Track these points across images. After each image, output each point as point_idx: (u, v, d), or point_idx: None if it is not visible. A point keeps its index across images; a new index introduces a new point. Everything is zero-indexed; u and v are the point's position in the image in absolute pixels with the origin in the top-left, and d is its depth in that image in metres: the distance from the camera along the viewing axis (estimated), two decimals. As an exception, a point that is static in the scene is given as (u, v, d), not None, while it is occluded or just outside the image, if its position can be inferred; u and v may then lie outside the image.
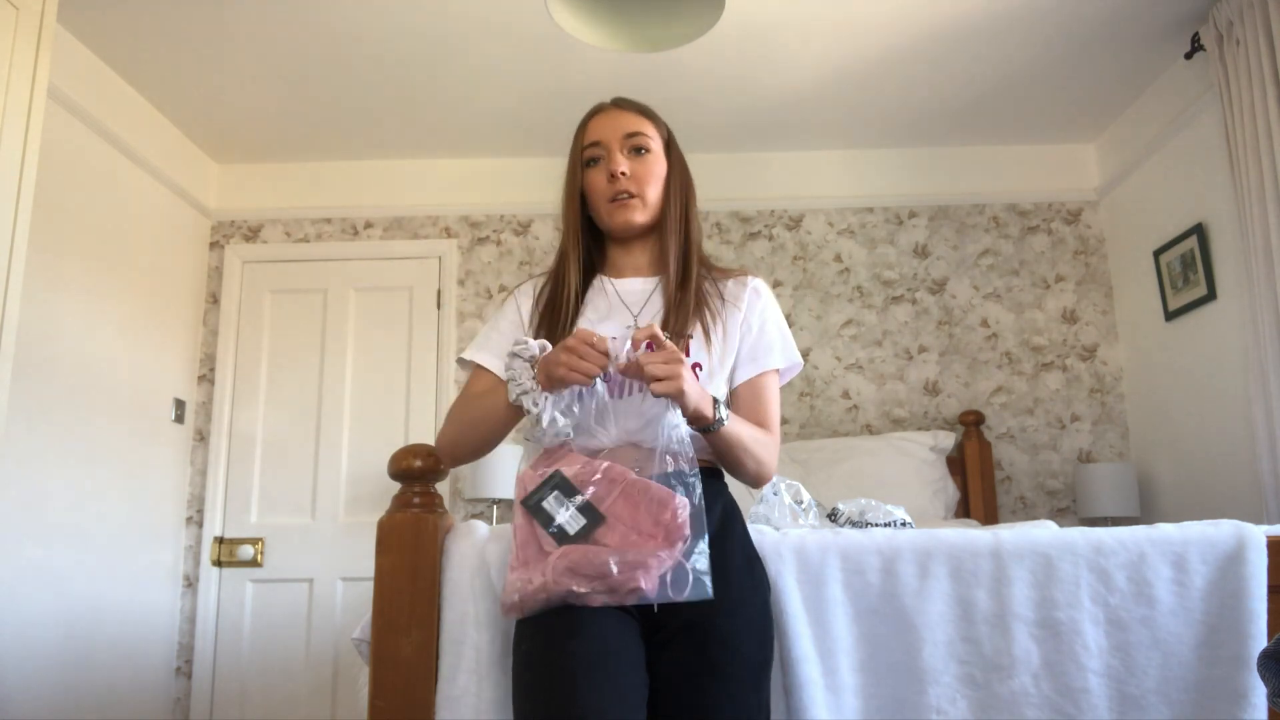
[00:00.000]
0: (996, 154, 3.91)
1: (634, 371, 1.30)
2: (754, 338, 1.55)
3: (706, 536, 1.27)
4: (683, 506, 1.26)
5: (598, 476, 1.29)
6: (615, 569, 1.21)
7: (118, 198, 3.25)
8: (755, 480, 1.48)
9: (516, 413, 1.40)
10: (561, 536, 1.27)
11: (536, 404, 1.33)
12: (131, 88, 3.32)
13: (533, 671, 1.28)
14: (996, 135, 3.82)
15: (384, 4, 2.86)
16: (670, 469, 1.30)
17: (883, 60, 3.23)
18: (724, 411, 1.38)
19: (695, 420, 1.35)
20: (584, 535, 1.26)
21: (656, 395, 1.30)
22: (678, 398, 1.30)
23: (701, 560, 1.25)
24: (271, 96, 3.41)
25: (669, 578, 1.23)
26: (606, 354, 1.31)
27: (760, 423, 1.49)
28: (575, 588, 1.23)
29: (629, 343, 1.32)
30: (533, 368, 1.35)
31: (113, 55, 3.12)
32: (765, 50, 3.15)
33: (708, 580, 1.24)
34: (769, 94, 3.45)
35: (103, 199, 3.17)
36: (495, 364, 1.55)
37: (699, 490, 1.29)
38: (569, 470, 1.30)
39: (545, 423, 1.33)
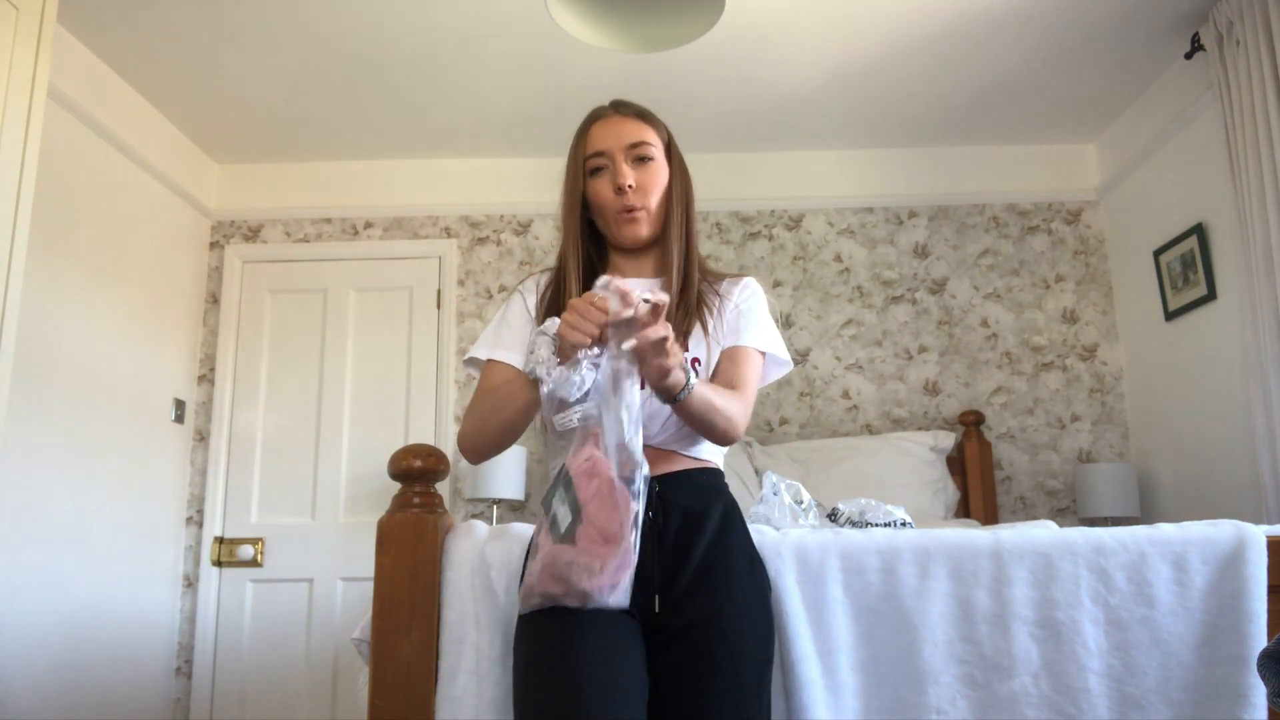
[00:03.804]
0: (996, 154, 3.91)
1: (629, 327, 1.24)
2: (735, 317, 1.55)
3: (639, 544, 1.24)
4: (628, 516, 1.23)
5: (587, 470, 1.27)
6: (572, 573, 1.22)
7: (118, 198, 3.25)
8: (724, 439, 1.44)
9: (535, 395, 1.36)
10: (555, 533, 1.26)
11: (550, 374, 1.30)
12: (131, 88, 3.32)
13: (533, 672, 1.28)
14: (996, 135, 3.82)
15: (384, 4, 2.86)
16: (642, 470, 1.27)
17: (883, 60, 3.23)
18: (693, 378, 1.32)
19: (664, 391, 1.31)
20: (569, 534, 1.25)
21: (645, 366, 1.25)
22: (663, 376, 1.26)
23: (630, 562, 1.23)
24: (271, 96, 3.41)
25: (609, 585, 1.22)
26: (605, 311, 1.26)
27: (732, 384, 1.47)
28: (551, 589, 1.24)
29: (621, 298, 1.26)
30: (554, 344, 1.32)
31: (113, 55, 3.12)
32: (765, 50, 3.15)
33: (628, 593, 1.22)
34: (769, 94, 3.45)
35: (103, 199, 3.17)
36: (510, 358, 1.54)
37: (643, 491, 1.26)
38: (574, 467, 1.28)
39: (545, 388, 1.30)
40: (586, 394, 1.31)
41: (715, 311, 1.54)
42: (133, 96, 3.34)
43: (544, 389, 1.31)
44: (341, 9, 2.88)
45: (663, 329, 1.23)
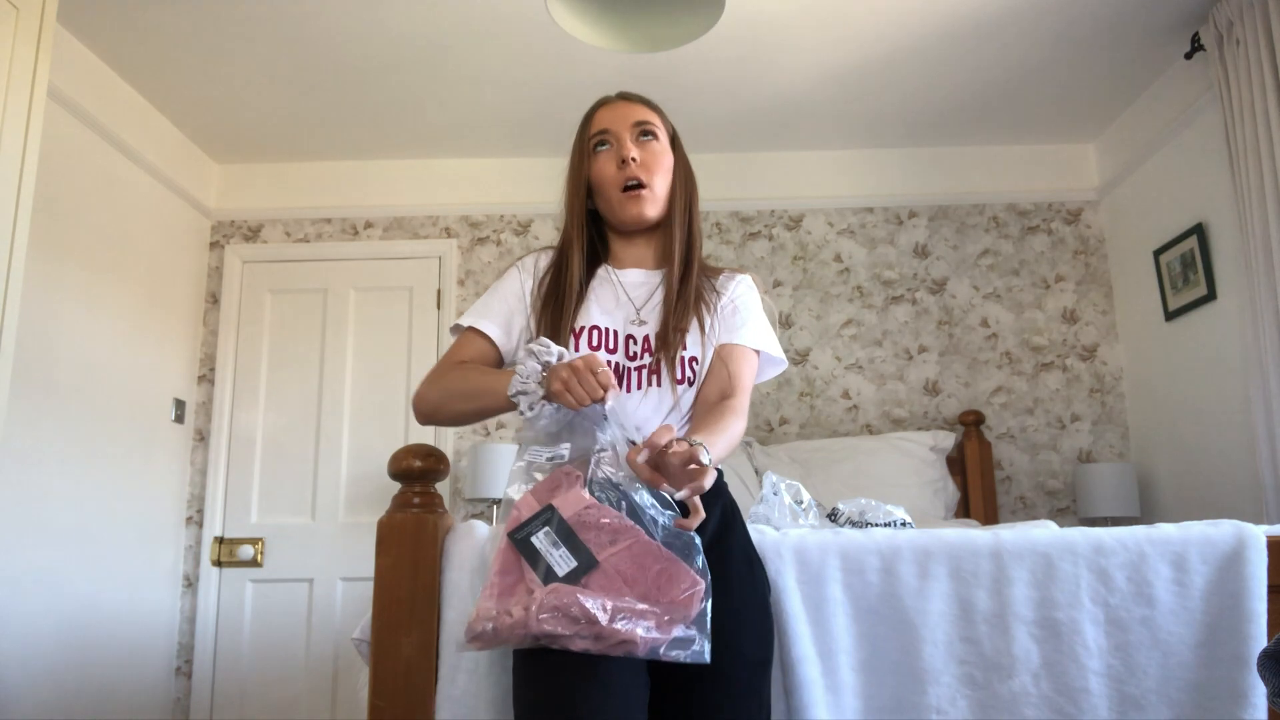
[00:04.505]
0: (996, 154, 3.91)
1: (653, 474, 1.20)
2: (730, 313, 1.54)
3: (710, 599, 1.22)
4: (698, 586, 1.21)
5: (604, 522, 1.22)
6: (605, 618, 1.16)
7: (118, 198, 3.25)
8: None
9: (507, 406, 1.36)
10: (549, 576, 1.21)
11: (531, 409, 1.30)
12: (131, 88, 3.32)
13: (533, 672, 1.27)
14: (996, 135, 3.82)
15: (384, 4, 2.86)
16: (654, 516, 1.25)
17: (883, 60, 3.23)
18: (707, 457, 1.21)
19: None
20: (573, 578, 1.20)
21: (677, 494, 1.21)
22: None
23: (705, 624, 1.20)
24: (271, 96, 3.41)
25: (666, 641, 1.19)
26: (606, 388, 1.26)
27: (725, 390, 1.46)
28: (558, 629, 1.17)
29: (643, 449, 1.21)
30: (544, 371, 1.31)
31: (113, 55, 3.12)
32: (765, 50, 3.15)
33: (708, 647, 1.19)
34: (769, 94, 3.45)
35: (103, 199, 3.16)
36: (492, 331, 1.53)
37: (699, 551, 1.25)
38: (567, 510, 1.24)
39: (531, 429, 1.30)
40: (560, 431, 1.30)
41: (713, 309, 1.53)
42: (133, 96, 3.34)
43: (520, 412, 1.31)
44: (342, 9, 2.88)
45: (707, 477, 1.18)
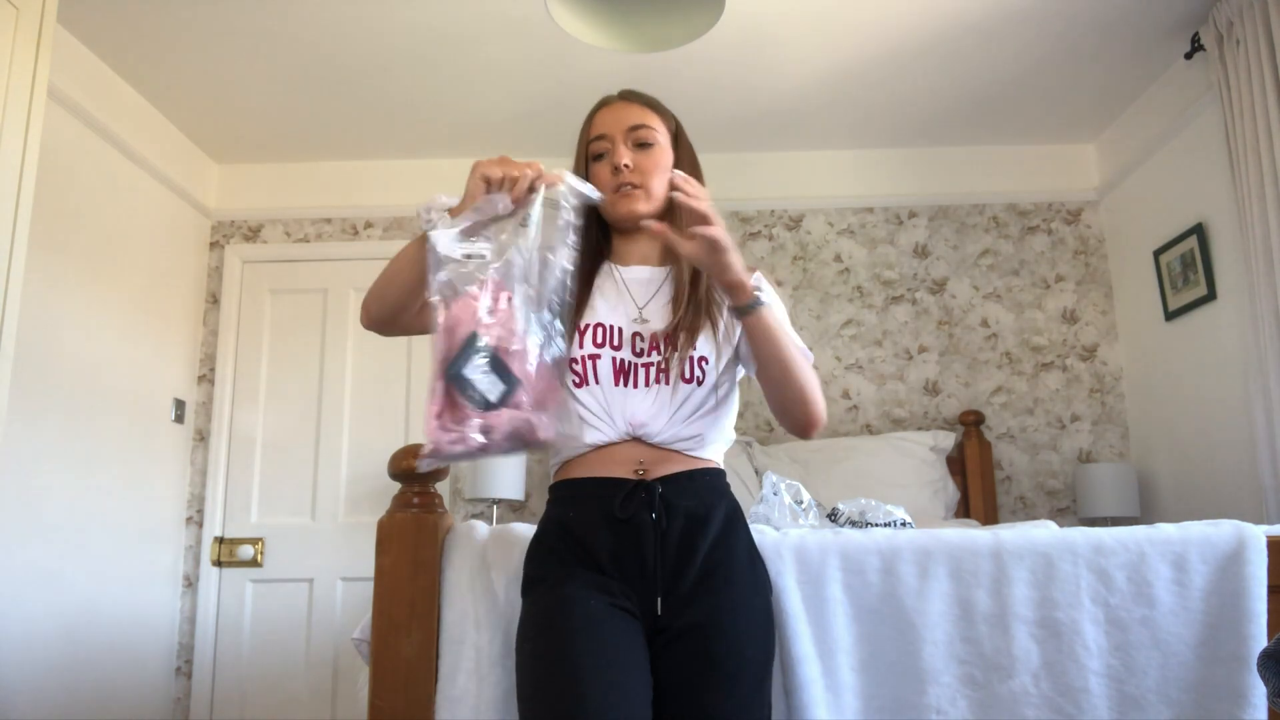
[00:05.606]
0: (996, 154, 3.91)
1: (691, 214, 1.32)
2: None
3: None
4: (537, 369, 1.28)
5: (514, 348, 1.28)
6: (543, 426, 1.25)
7: (118, 198, 3.25)
8: (805, 414, 1.44)
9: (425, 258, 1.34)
10: (484, 403, 1.23)
11: (431, 219, 1.31)
12: (131, 88, 3.32)
13: (536, 672, 1.28)
14: (996, 135, 3.82)
15: (384, 4, 2.86)
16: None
17: (882, 60, 3.23)
18: (763, 297, 1.37)
19: (735, 291, 1.35)
20: (504, 400, 1.25)
21: (696, 235, 1.32)
22: (720, 254, 1.31)
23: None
24: (271, 96, 3.41)
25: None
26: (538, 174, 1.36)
27: None
28: (508, 445, 1.24)
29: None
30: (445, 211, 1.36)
31: (113, 55, 3.12)
32: (765, 50, 3.15)
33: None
34: (769, 94, 3.45)
35: (103, 199, 3.16)
36: None
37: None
38: (493, 336, 1.27)
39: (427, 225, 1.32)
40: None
41: (724, 310, 1.49)
42: (133, 96, 3.34)
43: (425, 224, 1.32)
44: (342, 9, 2.88)
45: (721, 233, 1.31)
